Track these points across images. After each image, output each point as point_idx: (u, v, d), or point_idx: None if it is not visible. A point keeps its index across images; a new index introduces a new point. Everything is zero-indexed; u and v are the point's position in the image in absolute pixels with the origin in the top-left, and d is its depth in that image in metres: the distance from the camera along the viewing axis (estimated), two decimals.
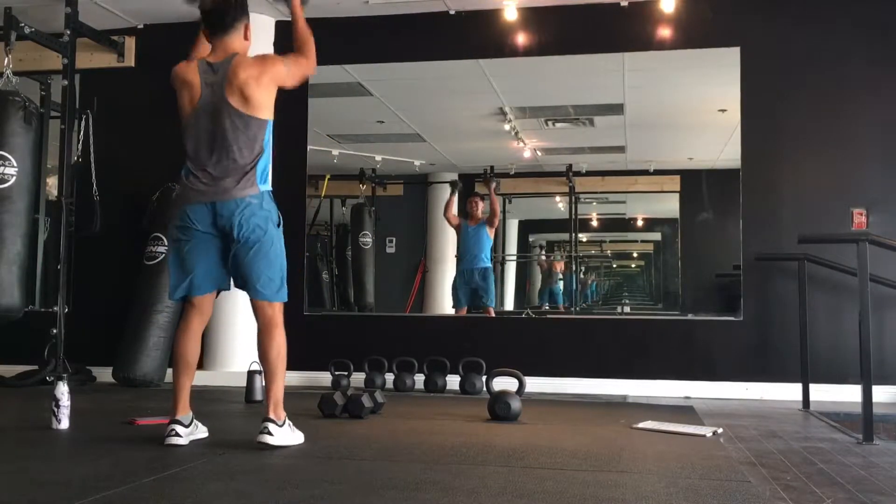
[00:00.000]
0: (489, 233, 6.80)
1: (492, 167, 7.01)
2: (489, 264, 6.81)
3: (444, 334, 6.17)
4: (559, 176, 6.92)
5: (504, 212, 7.30)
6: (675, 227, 6.94)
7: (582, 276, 7.32)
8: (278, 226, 3.40)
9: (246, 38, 3.47)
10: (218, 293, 3.49)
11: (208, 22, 3.42)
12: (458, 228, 6.95)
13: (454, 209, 6.87)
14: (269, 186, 3.41)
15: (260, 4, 6.06)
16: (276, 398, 3.31)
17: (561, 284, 7.24)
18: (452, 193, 6.88)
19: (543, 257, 7.54)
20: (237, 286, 3.44)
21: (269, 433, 3.23)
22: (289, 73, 3.46)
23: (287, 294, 3.44)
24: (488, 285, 6.77)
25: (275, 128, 6.38)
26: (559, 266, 7.30)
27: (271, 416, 3.26)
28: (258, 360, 4.44)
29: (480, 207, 6.86)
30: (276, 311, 3.38)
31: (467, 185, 7.27)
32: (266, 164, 3.39)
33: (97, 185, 6.25)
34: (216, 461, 3.02)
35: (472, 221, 6.86)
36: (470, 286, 6.75)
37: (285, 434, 3.30)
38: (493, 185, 6.77)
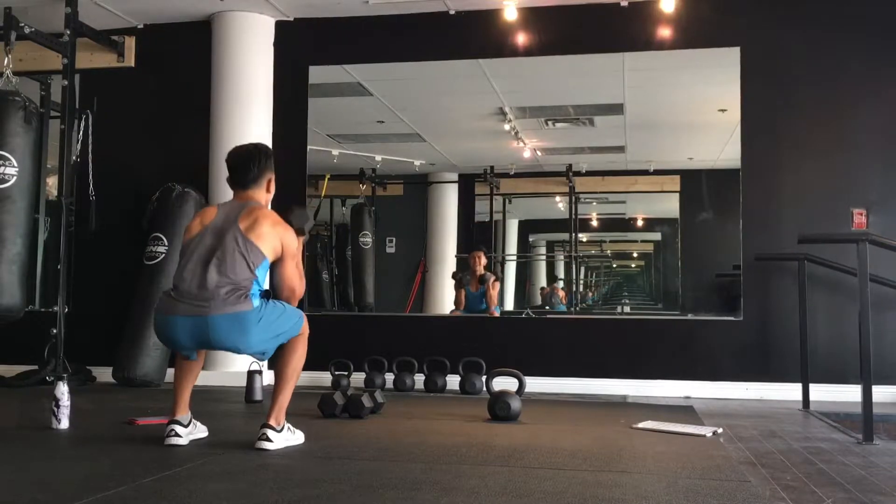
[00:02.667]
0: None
1: (492, 167, 7.01)
2: (497, 311, 6.73)
3: (444, 334, 6.17)
4: (559, 176, 6.91)
5: (504, 212, 7.30)
6: (675, 227, 6.93)
7: (583, 289, 7.32)
8: (269, 299, 3.34)
9: (268, 190, 3.50)
10: None
11: (232, 176, 3.47)
12: (459, 291, 6.86)
13: (463, 298, 6.78)
14: (259, 299, 3.27)
15: (260, 4, 6.06)
16: (281, 405, 3.32)
17: (563, 306, 7.21)
18: (458, 288, 6.80)
19: (546, 290, 7.48)
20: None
21: (268, 440, 3.23)
22: (293, 254, 3.40)
23: (302, 315, 3.44)
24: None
25: (275, 128, 6.39)
26: (561, 294, 7.28)
27: (271, 422, 3.27)
28: (257, 362, 4.45)
29: (482, 263, 6.78)
30: (304, 332, 3.42)
31: (468, 186, 7.27)
32: (258, 290, 3.29)
33: (95, 184, 6.25)
34: (216, 461, 3.02)
35: (474, 285, 6.72)
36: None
37: (284, 438, 3.31)
38: (492, 278, 6.69)
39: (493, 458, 3.16)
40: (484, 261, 6.81)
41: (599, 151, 7.20)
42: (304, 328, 3.44)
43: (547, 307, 7.25)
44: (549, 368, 5.70)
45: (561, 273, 7.46)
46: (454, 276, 6.84)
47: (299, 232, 3.48)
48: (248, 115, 6.13)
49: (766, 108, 5.73)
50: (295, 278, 3.41)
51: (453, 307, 6.77)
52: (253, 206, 3.38)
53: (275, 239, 3.32)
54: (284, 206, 3.58)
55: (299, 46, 6.33)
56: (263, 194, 3.49)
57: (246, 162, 3.45)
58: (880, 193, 5.56)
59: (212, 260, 3.25)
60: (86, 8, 6.05)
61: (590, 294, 7.51)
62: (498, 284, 6.77)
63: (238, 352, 3.35)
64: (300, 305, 3.54)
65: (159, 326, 3.34)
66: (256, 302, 3.24)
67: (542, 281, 7.54)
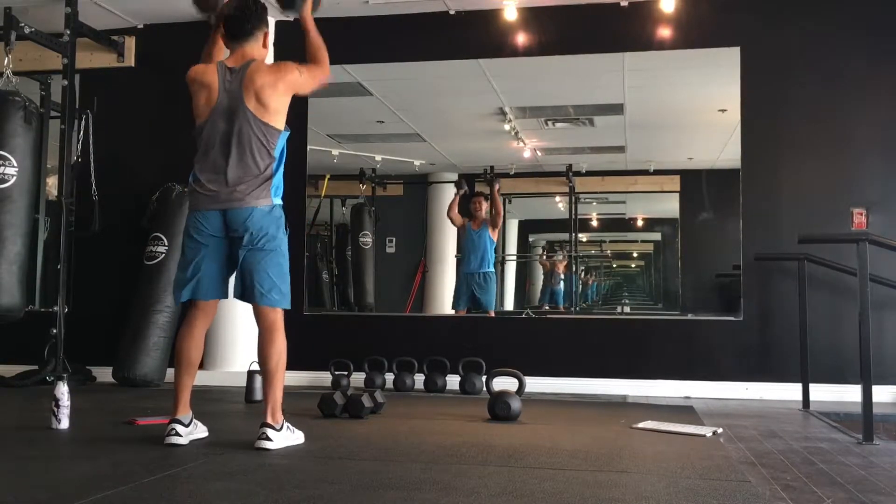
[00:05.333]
0: (492, 235, 6.77)
1: (492, 167, 7.01)
2: (491, 269, 6.78)
3: (444, 334, 6.17)
4: (559, 176, 6.92)
5: (505, 213, 7.30)
6: (675, 227, 6.93)
7: (583, 276, 7.32)
8: (287, 235, 3.43)
9: (264, 45, 3.53)
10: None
11: (228, 28, 3.49)
12: (460, 229, 6.93)
13: (457, 209, 6.84)
14: (280, 201, 3.43)
15: None
16: (275, 402, 3.32)
17: (563, 285, 7.23)
18: (457, 193, 6.84)
19: (545, 257, 7.52)
20: (238, 295, 3.43)
21: (268, 439, 3.23)
22: (304, 80, 3.49)
23: (290, 302, 3.46)
24: (489, 290, 6.73)
25: None
26: (561, 266, 7.28)
27: (269, 421, 3.27)
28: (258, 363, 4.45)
29: (484, 208, 6.83)
30: (279, 317, 3.40)
31: (469, 185, 7.27)
32: (280, 179, 3.42)
33: (97, 185, 6.25)
34: (216, 461, 3.02)
35: (476, 224, 6.82)
36: (471, 290, 6.74)
37: (284, 437, 3.31)
38: (496, 185, 6.74)
39: (493, 458, 3.16)
40: (485, 205, 6.84)
41: (599, 151, 7.20)
42: (280, 315, 3.40)
43: (548, 290, 7.27)
44: (549, 368, 5.70)
45: (560, 273, 7.46)
46: (455, 191, 6.83)
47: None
48: None
49: (766, 108, 5.73)
50: (316, 69, 3.55)
51: (456, 254, 6.82)
52: (250, 70, 3.38)
53: (280, 95, 3.39)
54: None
55: (299, 46, 6.31)
56: (259, 49, 3.50)
57: (242, 12, 3.45)
58: (880, 193, 5.56)
59: (230, 149, 3.32)
60: (86, 8, 6.05)
61: (591, 280, 7.49)
62: (500, 199, 6.78)
63: (246, 242, 3.33)
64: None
65: (193, 221, 3.38)
66: (276, 200, 3.36)
67: (542, 281, 7.54)
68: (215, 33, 3.64)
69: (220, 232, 3.37)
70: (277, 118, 3.42)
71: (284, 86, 3.42)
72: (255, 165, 3.35)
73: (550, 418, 4.37)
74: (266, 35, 3.54)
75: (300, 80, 3.48)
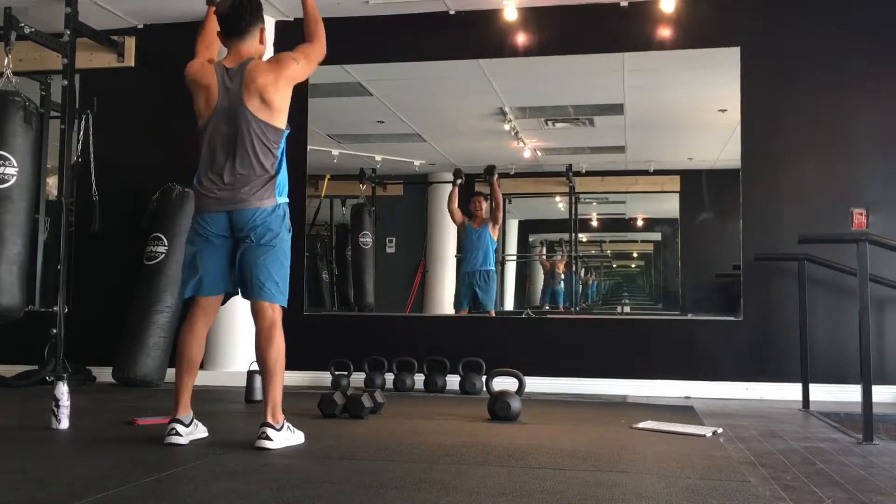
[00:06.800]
0: (493, 233, 6.76)
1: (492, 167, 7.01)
2: (492, 267, 6.77)
3: (444, 334, 6.17)
4: (559, 176, 6.91)
5: (504, 212, 7.29)
6: (675, 227, 6.93)
7: (582, 276, 7.32)
8: (290, 234, 3.45)
9: (261, 41, 3.51)
10: (226, 299, 3.51)
11: (223, 27, 3.46)
12: (460, 227, 6.92)
13: (457, 201, 6.82)
14: (286, 199, 3.45)
15: None
16: (275, 401, 3.32)
17: (563, 285, 7.23)
18: (455, 184, 6.82)
19: (545, 257, 7.52)
20: (238, 290, 3.45)
21: (268, 438, 3.23)
22: (302, 68, 3.49)
23: (287, 301, 3.46)
24: (490, 289, 6.73)
25: None
26: (561, 266, 7.28)
27: (269, 420, 3.27)
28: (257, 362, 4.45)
29: (484, 207, 6.83)
30: (277, 314, 3.40)
31: (468, 185, 7.26)
32: (284, 177, 3.43)
33: (97, 185, 6.25)
34: (216, 461, 3.02)
35: (476, 222, 6.81)
36: (472, 290, 6.73)
37: (284, 437, 3.30)
38: (496, 175, 6.71)
39: (493, 458, 3.16)
40: (485, 205, 6.82)
41: (599, 151, 7.20)
42: (278, 313, 3.40)
43: (549, 290, 7.26)
44: (549, 368, 5.70)
45: (561, 273, 7.46)
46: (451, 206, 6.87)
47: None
48: None
49: (766, 108, 5.73)
50: (311, 48, 3.54)
51: (456, 254, 6.85)
52: (249, 69, 3.37)
53: (281, 92, 3.40)
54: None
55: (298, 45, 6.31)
56: (256, 45, 3.48)
57: (237, 9, 3.43)
58: (880, 193, 5.56)
59: (233, 151, 3.33)
60: (86, 8, 6.05)
61: (591, 280, 7.49)
62: (500, 191, 6.76)
63: (248, 240, 3.34)
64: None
65: (198, 223, 3.40)
66: (280, 198, 3.38)
67: (542, 281, 7.54)
68: (209, 21, 3.60)
69: (226, 231, 3.38)
70: (279, 117, 3.42)
71: (285, 82, 3.42)
72: (260, 166, 3.36)
73: (550, 418, 4.38)
74: (263, 31, 3.52)
75: (299, 70, 3.47)
